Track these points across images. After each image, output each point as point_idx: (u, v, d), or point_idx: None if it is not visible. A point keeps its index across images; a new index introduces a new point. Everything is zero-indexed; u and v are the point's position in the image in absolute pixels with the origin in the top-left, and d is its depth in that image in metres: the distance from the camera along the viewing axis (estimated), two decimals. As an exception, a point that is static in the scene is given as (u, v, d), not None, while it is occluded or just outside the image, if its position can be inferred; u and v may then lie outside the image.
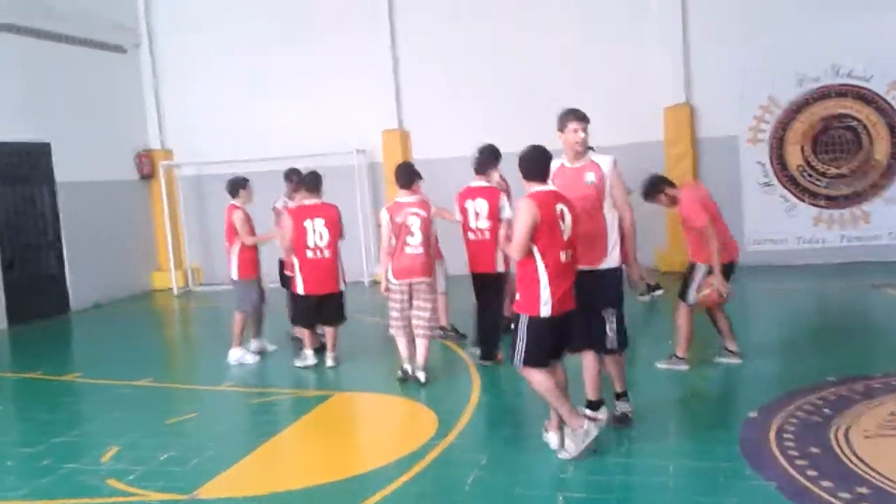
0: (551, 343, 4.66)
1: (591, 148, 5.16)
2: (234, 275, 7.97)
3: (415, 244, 6.56)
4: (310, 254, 7.22)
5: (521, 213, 4.54)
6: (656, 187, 6.45)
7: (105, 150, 13.05)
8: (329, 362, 7.42)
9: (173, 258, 13.72)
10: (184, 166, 14.12)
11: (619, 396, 5.25)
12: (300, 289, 7.32)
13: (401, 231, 6.57)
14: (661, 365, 6.48)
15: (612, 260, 4.97)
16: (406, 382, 6.68)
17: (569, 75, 12.06)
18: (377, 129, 13.06)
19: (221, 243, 13.56)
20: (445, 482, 4.58)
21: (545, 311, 4.55)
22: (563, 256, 4.57)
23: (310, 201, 7.36)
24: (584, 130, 4.92)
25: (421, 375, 6.60)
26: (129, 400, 6.97)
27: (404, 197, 6.73)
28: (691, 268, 6.41)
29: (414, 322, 6.66)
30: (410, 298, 6.65)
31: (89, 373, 8.00)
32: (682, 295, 6.42)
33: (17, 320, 10.98)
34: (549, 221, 4.53)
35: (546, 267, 4.53)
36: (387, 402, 6.51)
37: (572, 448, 4.63)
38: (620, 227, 5.01)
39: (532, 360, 4.61)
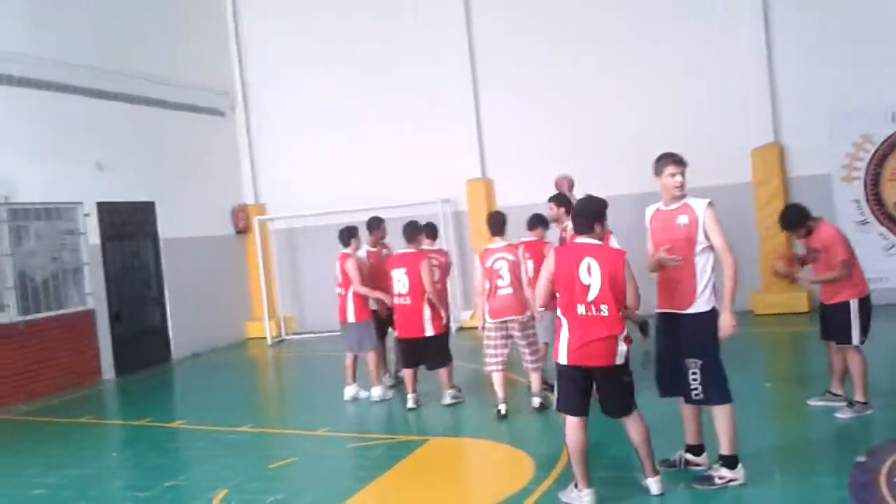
0: (575, 392, 4.71)
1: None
2: (352, 318, 8.32)
3: (504, 285, 7.04)
4: (397, 300, 7.65)
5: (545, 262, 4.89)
6: (805, 216, 6.29)
7: (204, 206, 13.73)
8: (447, 400, 7.71)
9: (267, 308, 14.19)
10: (276, 220, 14.68)
11: (723, 459, 4.88)
12: (396, 333, 7.89)
13: (492, 275, 7.02)
14: (843, 415, 6.09)
15: (700, 304, 4.86)
16: (505, 419, 6.95)
17: (653, 118, 12.11)
18: (461, 179, 13.34)
19: (313, 293, 14.17)
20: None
21: (562, 358, 4.71)
22: (580, 309, 4.62)
23: (403, 250, 7.73)
24: (682, 174, 4.92)
25: (535, 401, 7.07)
26: (232, 445, 7.25)
27: (494, 243, 7.11)
28: (838, 309, 6.14)
29: (522, 358, 7.22)
30: (505, 337, 7.13)
31: (193, 419, 8.34)
32: (843, 338, 6.15)
33: (123, 370, 11.55)
34: (565, 275, 4.68)
35: (564, 317, 4.70)
36: (482, 447, 6.58)
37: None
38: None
39: (561, 405, 4.81)
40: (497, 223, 7.31)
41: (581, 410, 4.72)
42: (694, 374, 4.84)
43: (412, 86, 13.61)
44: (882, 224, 11.46)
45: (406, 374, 7.79)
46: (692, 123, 11.91)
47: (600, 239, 4.81)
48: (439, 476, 6.03)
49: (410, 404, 7.69)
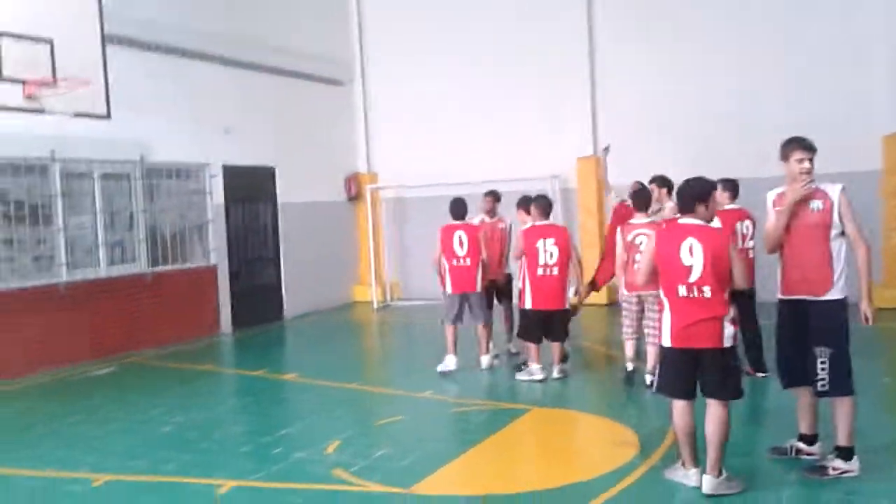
0: (679, 375, 4.68)
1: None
2: (479, 288, 8.46)
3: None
4: (539, 271, 7.66)
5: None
6: None
7: (319, 173, 14.21)
8: (556, 374, 7.80)
9: (374, 274, 14.60)
10: (387, 189, 15.04)
11: (839, 450, 4.82)
12: (528, 304, 7.73)
13: (631, 249, 7.15)
14: None
15: (836, 291, 4.78)
16: (631, 381, 7.36)
17: (776, 101, 11.71)
18: (572, 156, 13.29)
19: (418, 262, 14.48)
20: (652, 500, 4.65)
21: (666, 341, 4.70)
22: (681, 291, 4.58)
23: (541, 222, 7.80)
24: (811, 160, 4.80)
25: (647, 378, 7.09)
26: (341, 400, 7.60)
27: (636, 219, 7.28)
28: None
29: (646, 331, 7.28)
30: (640, 311, 7.30)
31: (305, 374, 8.76)
32: None
33: (239, 325, 12.18)
34: (667, 256, 4.66)
35: (666, 298, 4.68)
36: (586, 420, 6.67)
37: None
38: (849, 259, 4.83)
39: (664, 388, 4.81)
40: (642, 200, 7.40)
41: (686, 394, 4.70)
42: (823, 363, 4.75)
43: (528, 62, 13.59)
44: None
45: (534, 348, 7.77)
46: (819, 107, 11.44)
47: (706, 221, 4.73)
48: (540, 445, 6.17)
49: (555, 374, 7.77)
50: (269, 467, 5.58)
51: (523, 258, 7.80)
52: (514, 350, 8.99)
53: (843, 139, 11.26)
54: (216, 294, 11.87)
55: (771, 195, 5.02)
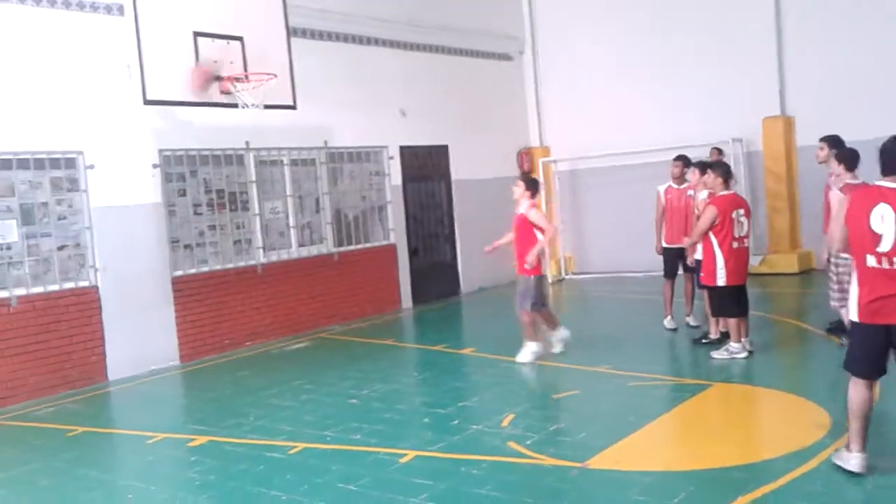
0: (865, 352, 4.31)
1: None
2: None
3: None
4: (735, 244, 7.29)
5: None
6: None
7: (492, 150, 14.34)
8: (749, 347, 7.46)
9: (549, 248, 14.55)
10: (560, 162, 14.92)
11: None
12: (722, 280, 7.33)
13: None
14: None
15: None
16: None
17: None
18: (757, 116, 12.52)
19: (594, 234, 14.32)
20: (838, 484, 4.37)
21: (854, 315, 4.32)
22: (870, 261, 4.15)
23: (726, 192, 7.44)
24: None
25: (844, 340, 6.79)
26: (517, 374, 7.73)
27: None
28: None
29: None
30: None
31: (481, 348, 8.95)
32: None
33: (419, 301, 12.63)
34: (857, 221, 4.26)
35: (856, 268, 4.28)
36: (772, 397, 6.34)
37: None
38: None
39: (851, 365, 4.43)
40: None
41: (870, 373, 4.35)
42: None
43: (704, 17, 12.93)
44: None
45: (735, 323, 7.38)
46: None
47: None
48: (721, 422, 5.95)
49: (749, 349, 7.43)
50: (448, 438, 5.78)
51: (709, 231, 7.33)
52: (693, 323, 8.70)
53: None
54: (396, 271, 12.37)
55: None
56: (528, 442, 5.49)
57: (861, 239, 4.25)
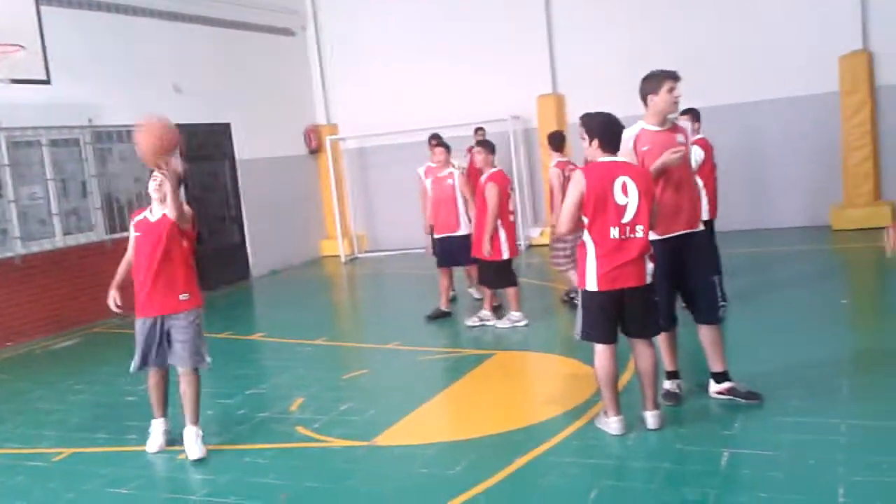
0: (606, 319, 4.59)
1: None
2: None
3: None
4: (511, 218, 7.71)
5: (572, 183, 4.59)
6: None
7: (278, 127, 13.94)
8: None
9: (340, 227, 14.48)
10: (348, 140, 14.82)
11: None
12: (506, 253, 7.66)
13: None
14: None
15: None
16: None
17: (736, 27, 11.60)
18: (532, 95, 13.13)
19: (384, 212, 14.39)
20: (609, 436, 4.68)
21: (592, 285, 4.54)
22: (613, 233, 4.45)
23: (494, 169, 7.71)
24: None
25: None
26: (308, 357, 7.57)
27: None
28: None
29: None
30: None
31: (272, 333, 8.73)
32: None
33: (205, 287, 11.91)
34: (598, 196, 4.44)
35: (593, 241, 4.52)
36: (549, 361, 6.70)
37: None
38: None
39: (590, 334, 4.68)
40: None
41: (612, 338, 4.64)
42: (714, 290, 5.06)
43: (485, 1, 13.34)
44: (979, 135, 10.83)
45: (513, 292, 7.81)
46: (777, 32, 11.37)
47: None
48: (507, 386, 6.18)
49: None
50: (234, 429, 5.56)
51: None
52: (477, 295, 8.95)
53: (802, 62, 11.27)
54: (179, 257, 11.69)
55: (631, 132, 4.80)
56: (317, 425, 5.39)
57: (605, 213, 4.44)
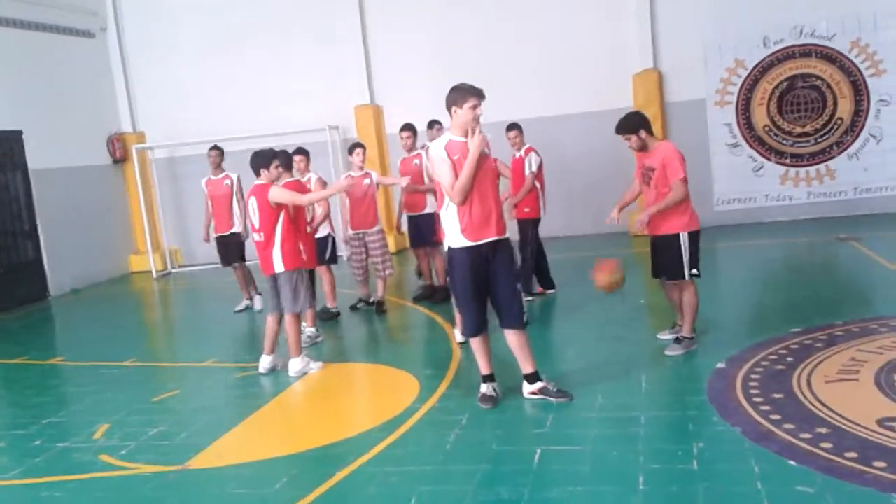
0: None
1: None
2: None
3: None
4: (308, 229, 7.29)
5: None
6: (645, 124, 5.90)
7: (77, 135, 13.01)
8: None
9: (150, 241, 13.73)
10: (156, 148, 14.08)
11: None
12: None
13: None
14: (673, 353, 5.88)
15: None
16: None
17: (539, 46, 12.20)
18: (349, 105, 13.11)
19: (199, 225, 13.77)
20: (428, 442, 4.74)
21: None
22: None
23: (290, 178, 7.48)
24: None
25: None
26: (115, 380, 7.07)
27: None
28: (670, 241, 5.77)
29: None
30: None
31: (73, 356, 8.10)
32: (677, 274, 5.81)
33: (-4, 309, 11.00)
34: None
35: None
36: (368, 370, 6.69)
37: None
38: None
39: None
40: None
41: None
42: (519, 296, 5.31)
43: (298, 8, 13.15)
44: (751, 146, 12.08)
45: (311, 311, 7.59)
46: (576, 50, 12.10)
47: None
48: (326, 399, 6.09)
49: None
50: (28, 462, 5.09)
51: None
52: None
53: (599, 80, 12.06)
54: (-38, 277, 10.62)
55: (439, 145, 5.03)
56: (124, 452, 5.05)
57: None
